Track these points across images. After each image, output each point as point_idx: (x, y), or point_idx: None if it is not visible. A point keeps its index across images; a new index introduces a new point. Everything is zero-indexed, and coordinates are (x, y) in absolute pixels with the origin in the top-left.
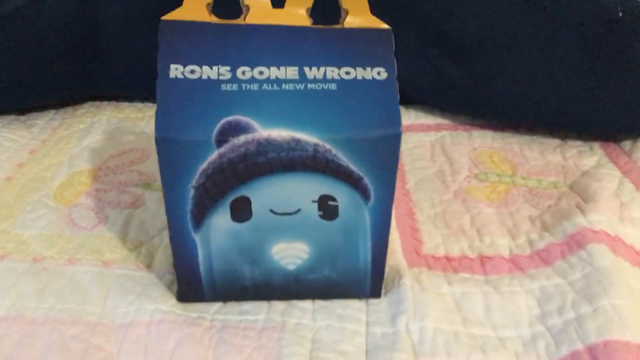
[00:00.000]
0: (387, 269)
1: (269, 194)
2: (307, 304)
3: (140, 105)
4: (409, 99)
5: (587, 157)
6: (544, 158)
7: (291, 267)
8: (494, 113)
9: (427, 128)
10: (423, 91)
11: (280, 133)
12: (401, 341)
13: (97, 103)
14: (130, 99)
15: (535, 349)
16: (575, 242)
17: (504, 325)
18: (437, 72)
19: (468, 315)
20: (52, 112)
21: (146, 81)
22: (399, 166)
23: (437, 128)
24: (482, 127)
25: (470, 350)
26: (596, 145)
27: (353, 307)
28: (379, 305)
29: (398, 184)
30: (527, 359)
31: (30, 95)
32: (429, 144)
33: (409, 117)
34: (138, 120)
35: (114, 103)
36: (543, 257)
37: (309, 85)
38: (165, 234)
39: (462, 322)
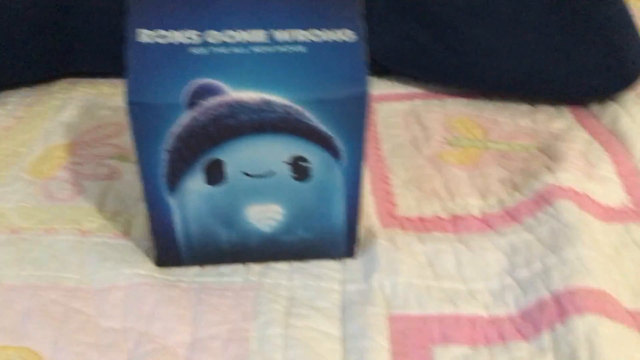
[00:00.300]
0: (361, 231)
1: (242, 156)
2: (283, 265)
3: (115, 80)
4: (384, 69)
5: (556, 120)
6: (515, 123)
7: (267, 229)
8: (466, 80)
9: (401, 97)
10: (396, 61)
11: (250, 95)
12: (375, 296)
13: (72, 80)
14: (104, 74)
15: (503, 299)
16: (543, 199)
17: (474, 279)
18: (409, 41)
19: (440, 270)
20: (26, 89)
21: (121, 56)
22: (374, 134)
23: (411, 97)
24: (455, 94)
25: (442, 302)
26: (566, 110)
27: (328, 267)
28: (353, 265)
29: (372, 150)
30: (496, 309)
31: (4, 73)
32: (402, 112)
33: (384, 86)
34: (113, 95)
35: (88, 79)
36: (512, 215)
37: (278, 48)
38: (143, 204)
39: (434, 277)
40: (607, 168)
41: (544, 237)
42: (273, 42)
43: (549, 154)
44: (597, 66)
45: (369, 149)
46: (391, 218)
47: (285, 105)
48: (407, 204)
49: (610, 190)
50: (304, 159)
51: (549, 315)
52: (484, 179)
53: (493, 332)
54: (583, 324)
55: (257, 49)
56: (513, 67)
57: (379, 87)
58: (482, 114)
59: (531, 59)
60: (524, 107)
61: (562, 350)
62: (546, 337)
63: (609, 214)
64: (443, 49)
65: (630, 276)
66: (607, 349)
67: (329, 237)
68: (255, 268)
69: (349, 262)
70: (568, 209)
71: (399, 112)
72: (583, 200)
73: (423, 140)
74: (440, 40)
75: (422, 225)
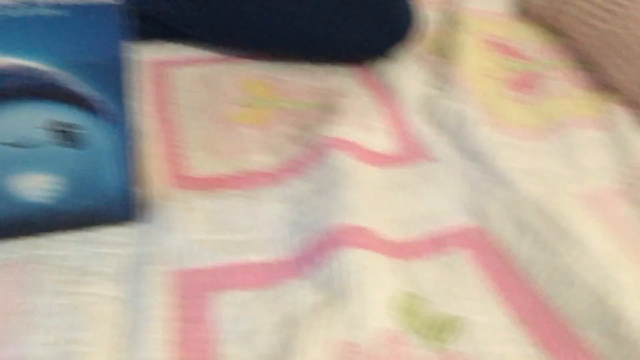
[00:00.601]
0: (150, 194)
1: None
2: (67, 236)
3: None
4: (177, 33)
5: (338, 78)
6: (303, 82)
7: (44, 201)
8: (256, 43)
9: (197, 61)
10: (191, 26)
11: (5, 60)
12: (160, 256)
13: None
14: None
15: (285, 244)
16: (320, 151)
17: (258, 229)
18: (203, 6)
19: (227, 225)
20: None
21: None
22: (167, 98)
23: (208, 61)
24: (250, 57)
25: (227, 254)
26: (347, 68)
27: (114, 233)
28: (140, 228)
29: (166, 115)
30: (278, 254)
31: None
32: (199, 76)
33: (181, 51)
34: None
35: None
36: (294, 167)
37: (34, 11)
38: None
39: (221, 232)
40: (380, 119)
41: (320, 184)
42: (29, 5)
43: (332, 109)
44: (369, 25)
45: (163, 113)
46: (182, 180)
47: (43, 70)
48: (199, 165)
49: (382, 139)
50: (71, 125)
51: (323, 254)
52: (272, 137)
53: (275, 275)
54: (351, 258)
55: (11, 13)
56: (295, 29)
57: (176, 52)
58: (274, 75)
59: (311, 21)
60: (311, 67)
61: (334, 283)
62: (321, 274)
63: (380, 160)
64: (234, 14)
65: (394, 212)
66: (371, 277)
67: (112, 203)
68: (38, 241)
69: (135, 225)
70: (341, 158)
71: (195, 76)
72: (355, 150)
73: (217, 103)
74: (231, 5)
75: (213, 184)
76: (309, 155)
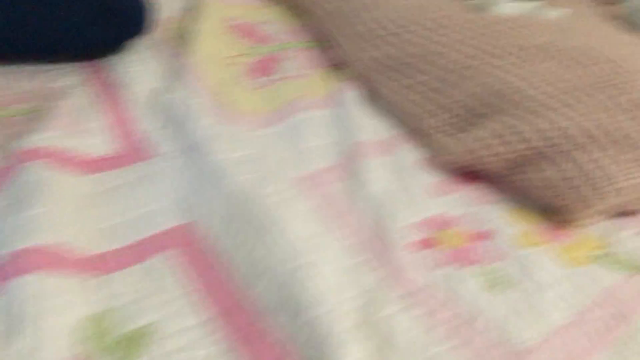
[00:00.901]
0: None
1: None
2: None
3: None
4: None
5: (61, 79)
6: (16, 86)
7: None
8: None
9: None
10: None
11: None
12: None
13: None
14: None
15: None
16: (18, 164)
17: None
18: None
19: None
20: None
21: None
22: None
23: None
24: None
25: None
26: (75, 67)
27: None
28: None
29: None
30: None
31: None
32: None
33: None
34: None
35: None
36: None
37: None
38: None
39: None
40: (99, 120)
41: (11, 202)
42: None
43: (42, 115)
44: (97, 18)
45: None
46: None
47: None
48: None
49: (97, 142)
50: None
51: None
52: None
53: None
54: (29, 285)
55: None
56: (12, 25)
57: None
58: None
59: (30, 16)
60: (29, 69)
61: (7, 317)
62: None
63: (92, 166)
64: None
65: (98, 222)
66: (51, 303)
67: None
68: None
69: None
70: (39, 170)
71: None
72: (59, 158)
73: None
74: None
75: None
76: (5, 170)
